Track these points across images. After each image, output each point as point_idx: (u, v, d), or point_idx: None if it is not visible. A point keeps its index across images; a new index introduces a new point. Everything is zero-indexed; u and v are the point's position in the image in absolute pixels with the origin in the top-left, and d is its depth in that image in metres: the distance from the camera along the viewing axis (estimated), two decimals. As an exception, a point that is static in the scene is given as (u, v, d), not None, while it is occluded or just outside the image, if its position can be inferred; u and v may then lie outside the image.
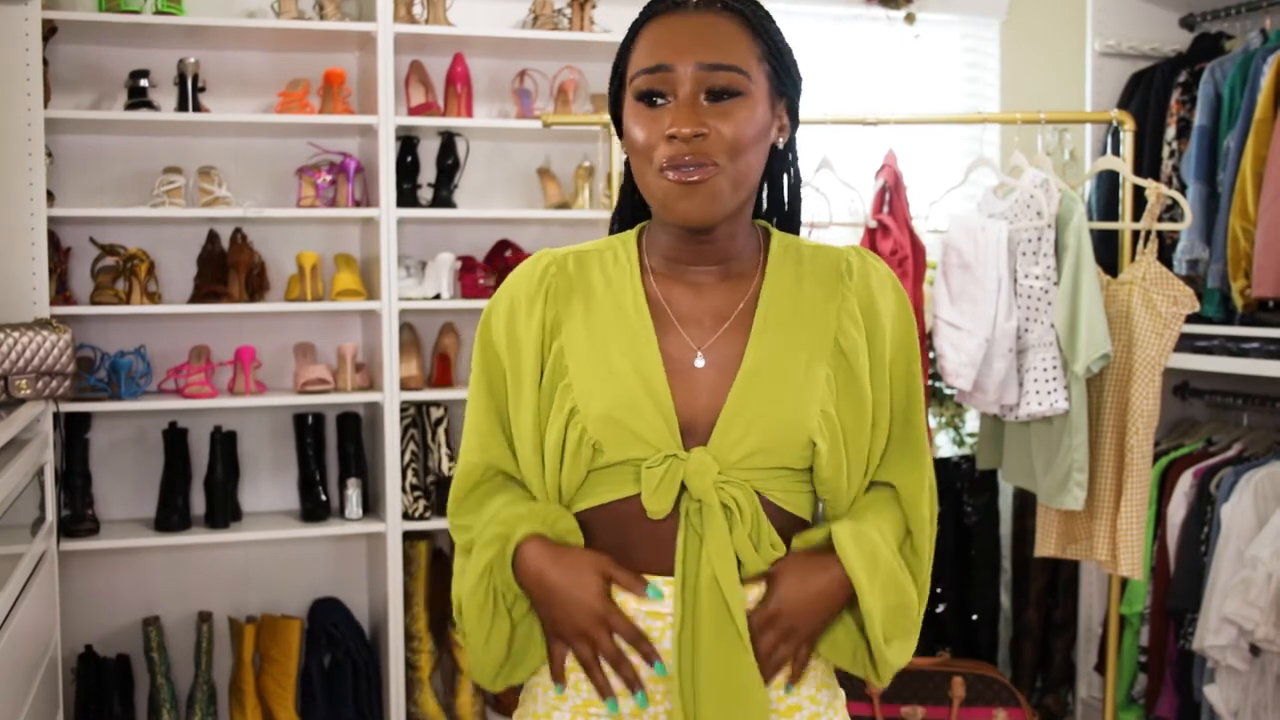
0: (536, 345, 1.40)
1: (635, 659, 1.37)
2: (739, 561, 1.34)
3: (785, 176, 1.50)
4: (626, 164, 1.46)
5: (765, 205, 1.51)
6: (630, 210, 1.51)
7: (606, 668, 1.37)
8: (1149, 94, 3.70)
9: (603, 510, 1.39)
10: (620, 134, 1.42)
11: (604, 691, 1.37)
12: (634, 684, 1.36)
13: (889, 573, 1.40)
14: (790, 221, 1.52)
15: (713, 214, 1.35)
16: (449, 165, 3.61)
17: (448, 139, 3.60)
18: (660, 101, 1.35)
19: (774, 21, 1.41)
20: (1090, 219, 3.43)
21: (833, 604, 1.38)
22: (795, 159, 1.50)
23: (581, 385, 1.36)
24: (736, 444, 1.35)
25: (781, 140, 1.45)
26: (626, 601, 1.37)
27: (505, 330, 1.43)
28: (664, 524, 1.36)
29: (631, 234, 1.47)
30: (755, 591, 1.37)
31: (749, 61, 1.36)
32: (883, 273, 1.45)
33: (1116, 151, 3.29)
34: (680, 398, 1.36)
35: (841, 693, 1.50)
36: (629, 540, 1.38)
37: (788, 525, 1.40)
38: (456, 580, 1.47)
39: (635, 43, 1.39)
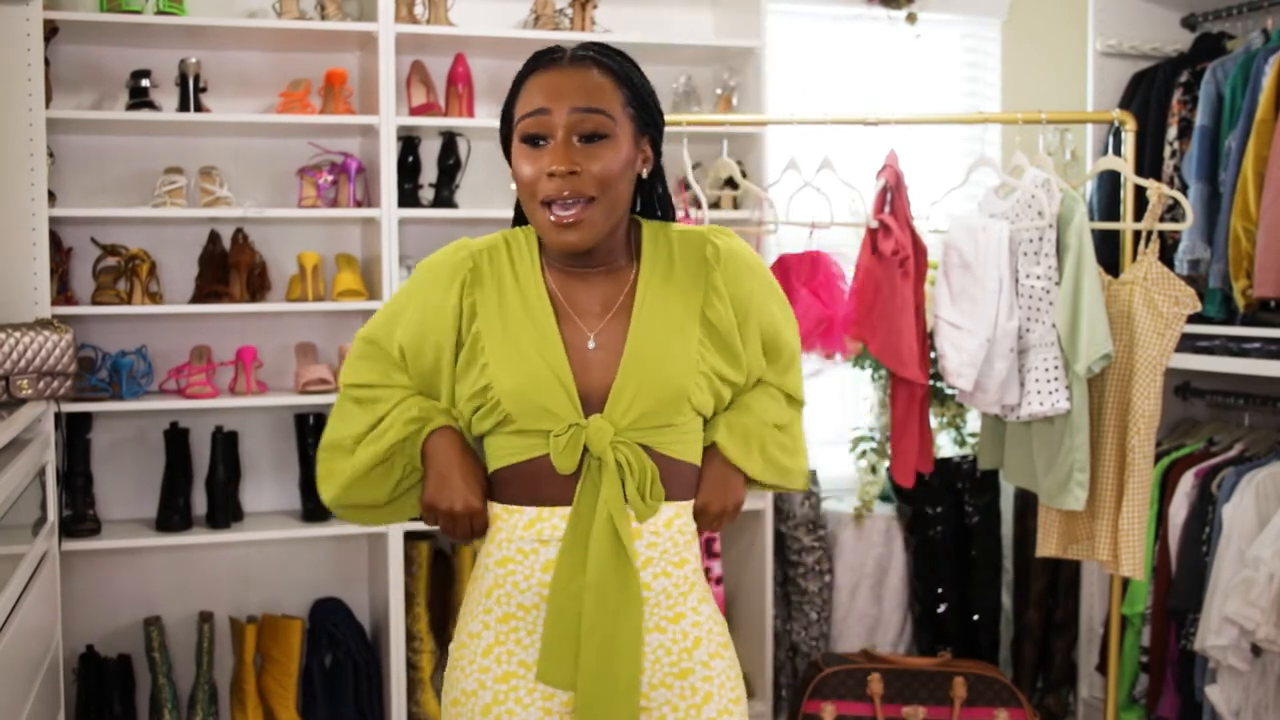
0: (454, 319, 1.71)
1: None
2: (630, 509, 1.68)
3: (654, 198, 1.79)
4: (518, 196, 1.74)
5: (639, 208, 1.80)
6: (523, 219, 1.80)
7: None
8: (1150, 94, 3.70)
9: (518, 467, 1.71)
10: (513, 174, 1.70)
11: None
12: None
13: (758, 434, 1.79)
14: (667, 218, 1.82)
15: (588, 241, 1.66)
16: (450, 165, 3.61)
17: (449, 139, 3.61)
18: (541, 143, 1.64)
19: (638, 71, 1.70)
20: (1091, 219, 3.43)
21: (732, 480, 1.78)
22: (662, 183, 1.79)
23: (496, 366, 1.67)
24: (627, 410, 1.66)
25: (645, 170, 1.73)
26: (516, 522, 1.71)
27: (426, 307, 1.73)
28: (570, 475, 1.68)
29: (532, 232, 1.76)
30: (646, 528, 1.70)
31: (614, 107, 1.64)
32: (742, 254, 1.77)
33: (1118, 151, 3.29)
34: (579, 376, 1.68)
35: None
36: (540, 486, 1.70)
37: (681, 471, 1.74)
38: (340, 416, 1.79)
39: (520, 92, 1.67)
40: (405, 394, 1.77)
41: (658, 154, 1.75)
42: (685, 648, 1.73)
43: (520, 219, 1.82)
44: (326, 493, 1.81)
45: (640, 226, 1.77)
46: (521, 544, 1.71)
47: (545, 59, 1.67)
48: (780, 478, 1.86)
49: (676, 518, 1.74)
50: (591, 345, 1.69)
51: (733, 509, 1.80)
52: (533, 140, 1.65)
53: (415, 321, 1.73)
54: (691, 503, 1.77)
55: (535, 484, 1.70)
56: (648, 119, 1.70)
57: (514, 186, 1.75)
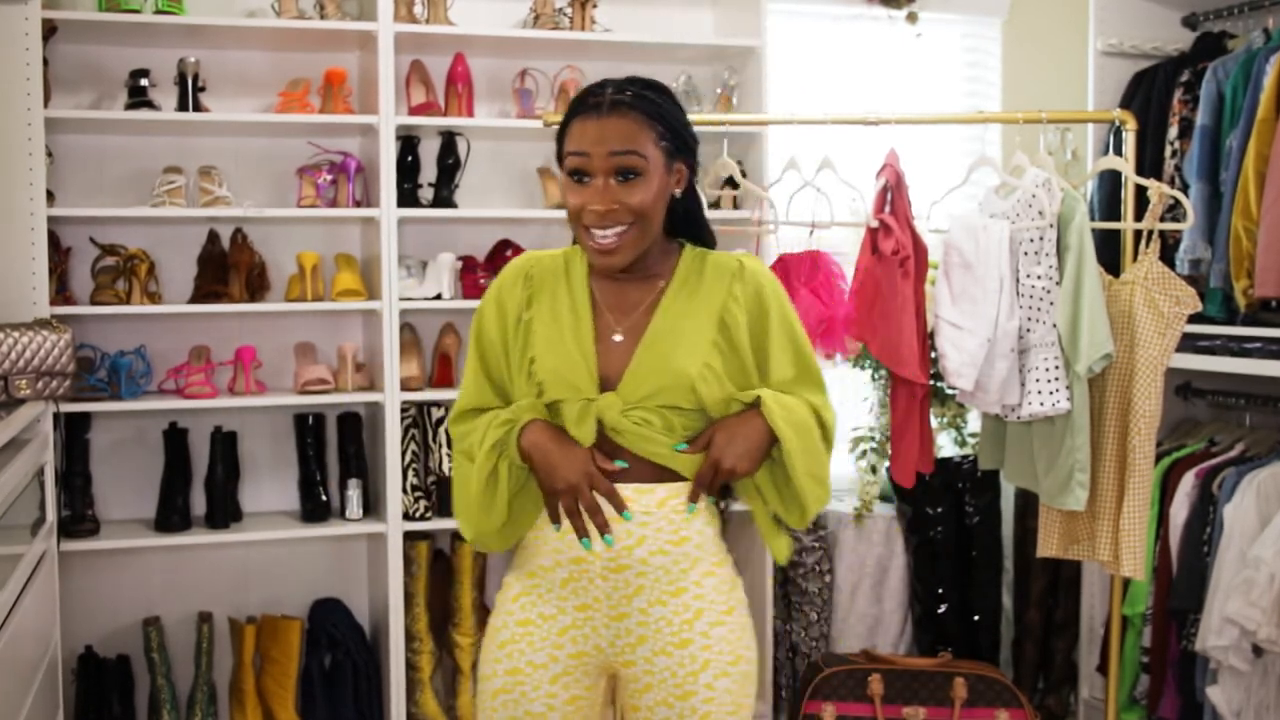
0: (517, 310, 2.01)
1: (609, 510, 1.92)
2: (637, 470, 1.93)
3: (690, 217, 2.04)
4: None
5: (683, 230, 2.05)
6: None
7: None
8: (1151, 93, 3.69)
9: None
10: (563, 198, 1.98)
11: (581, 533, 1.92)
12: (604, 528, 1.91)
13: (802, 419, 1.94)
14: (705, 238, 2.07)
15: (624, 262, 1.93)
16: (450, 165, 3.60)
17: (448, 139, 3.60)
18: (585, 179, 1.90)
19: (671, 101, 1.96)
20: (1092, 219, 3.42)
21: (754, 436, 1.93)
22: (695, 198, 2.05)
23: (540, 345, 1.97)
24: (638, 388, 1.92)
25: (679, 190, 1.99)
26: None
27: (496, 304, 2.03)
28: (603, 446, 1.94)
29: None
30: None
31: (646, 146, 1.90)
32: (762, 271, 2.02)
33: (1119, 151, 3.28)
34: (602, 359, 1.95)
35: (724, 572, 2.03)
36: None
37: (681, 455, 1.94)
38: (458, 472, 2.04)
39: (567, 132, 1.93)
40: (494, 412, 2.01)
41: (693, 171, 2.00)
42: (686, 619, 1.94)
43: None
44: (467, 534, 2.02)
45: (684, 249, 2.03)
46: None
47: (588, 105, 1.92)
48: (801, 477, 1.94)
49: (672, 497, 1.94)
50: (618, 337, 1.96)
51: (728, 469, 1.93)
52: (577, 175, 1.91)
53: (494, 318, 2.02)
54: (689, 484, 1.94)
55: None
56: (680, 146, 1.96)
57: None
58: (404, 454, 3.48)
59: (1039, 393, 2.95)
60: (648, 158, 1.90)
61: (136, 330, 3.47)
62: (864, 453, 3.96)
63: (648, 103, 1.93)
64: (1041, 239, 2.97)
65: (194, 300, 3.45)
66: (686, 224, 2.05)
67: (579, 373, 1.93)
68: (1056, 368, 2.94)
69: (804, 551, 3.84)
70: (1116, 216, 3.40)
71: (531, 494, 2.00)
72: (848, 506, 3.94)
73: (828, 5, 4.13)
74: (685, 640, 1.93)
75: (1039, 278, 2.97)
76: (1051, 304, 2.95)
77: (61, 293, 3.32)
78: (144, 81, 3.36)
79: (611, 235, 1.90)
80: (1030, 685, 3.91)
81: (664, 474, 1.94)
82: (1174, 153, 3.61)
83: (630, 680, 1.97)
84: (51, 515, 2.98)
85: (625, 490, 1.92)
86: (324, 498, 3.51)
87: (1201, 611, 3.18)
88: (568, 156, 1.92)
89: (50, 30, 3.26)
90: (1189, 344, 3.31)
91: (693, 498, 1.94)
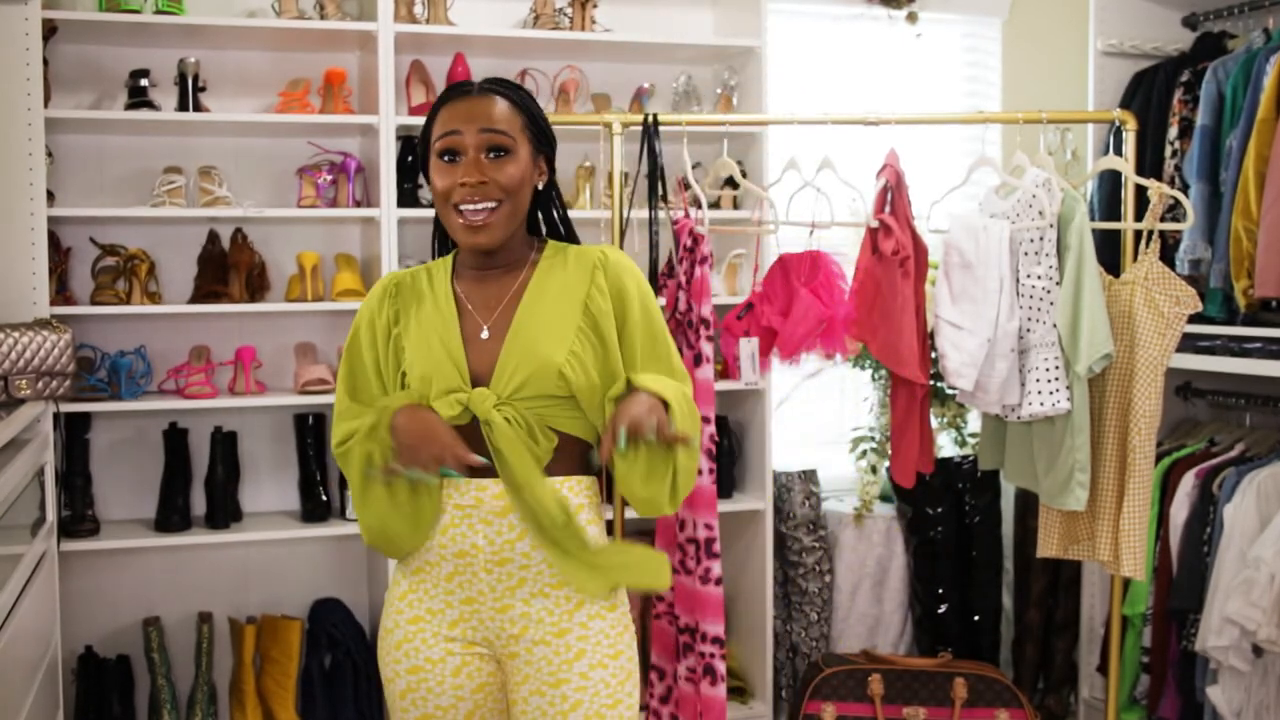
0: (386, 327, 2.04)
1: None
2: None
3: (552, 208, 2.11)
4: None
5: (545, 230, 2.11)
6: (441, 239, 2.14)
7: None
8: (1151, 93, 3.69)
9: None
10: (430, 187, 2.01)
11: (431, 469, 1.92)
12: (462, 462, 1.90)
13: (676, 388, 1.97)
14: (567, 236, 2.12)
15: (494, 241, 1.97)
16: (450, 165, 3.60)
17: (448, 139, 3.60)
18: (455, 158, 1.95)
19: (534, 101, 2.03)
20: (1092, 219, 3.42)
21: (645, 399, 1.89)
22: (556, 195, 2.11)
23: (411, 354, 1.99)
24: (508, 381, 1.94)
25: (541, 183, 2.04)
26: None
27: (369, 326, 2.05)
28: (476, 441, 1.93)
29: (449, 256, 2.09)
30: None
31: (514, 128, 1.97)
32: (625, 262, 2.05)
33: (1119, 151, 3.28)
34: (473, 358, 1.97)
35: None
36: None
37: (567, 444, 1.97)
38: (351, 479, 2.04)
39: (436, 118, 1.98)
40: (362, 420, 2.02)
41: (552, 170, 2.06)
42: (567, 610, 1.96)
43: (440, 242, 2.14)
44: (366, 538, 2.03)
45: (546, 244, 2.07)
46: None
47: (458, 91, 1.99)
48: (692, 425, 1.96)
49: (561, 489, 1.95)
50: (484, 335, 1.99)
51: (657, 418, 1.88)
52: (448, 155, 1.96)
53: (368, 341, 2.05)
54: (575, 478, 1.98)
55: None
56: (542, 140, 2.02)
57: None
58: (404, 454, 3.48)
59: (1039, 393, 2.95)
60: (515, 139, 1.96)
61: (136, 330, 3.47)
62: (864, 453, 3.96)
63: (514, 92, 2.00)
64: (1041, 239, 2.97)
65: (194, 300, 3.45)
66: (549, 223, 2.10)
67: (449, 373, 1.95)
68: (1056, 368, 2.94)
69: (804, 552, 3.84)
70: (1116, 216, 3.40)
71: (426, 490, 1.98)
72: (848, 506, 3.94)
73: (828, 5, 4.13)
74: (563, 630, 1.95)
75: (1039, 278, 2.97)
76: (1051, 304, 2.95)
77: (61, 293, 3.32)
78: (144, 81, 3.36)
79: (482, 211, 1.93)
80: (1030, 685, 3.91)
81: (553, 468, 1.95)
82: (1174, 153, 3.61)
83: (512, 673, 1.97)
84: (51, 515, 2.98)
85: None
86: (324, 498, 3.51)
87: (1201, 611, 3.18)
88: (438, 140, 1.96)
89: (50, 30, 3.26)
90: (1189, 344, 3.32)
91: (605, 455, 1.88)
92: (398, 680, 2.00)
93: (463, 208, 1.94)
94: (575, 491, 1.98)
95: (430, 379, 1.95)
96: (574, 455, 1.99)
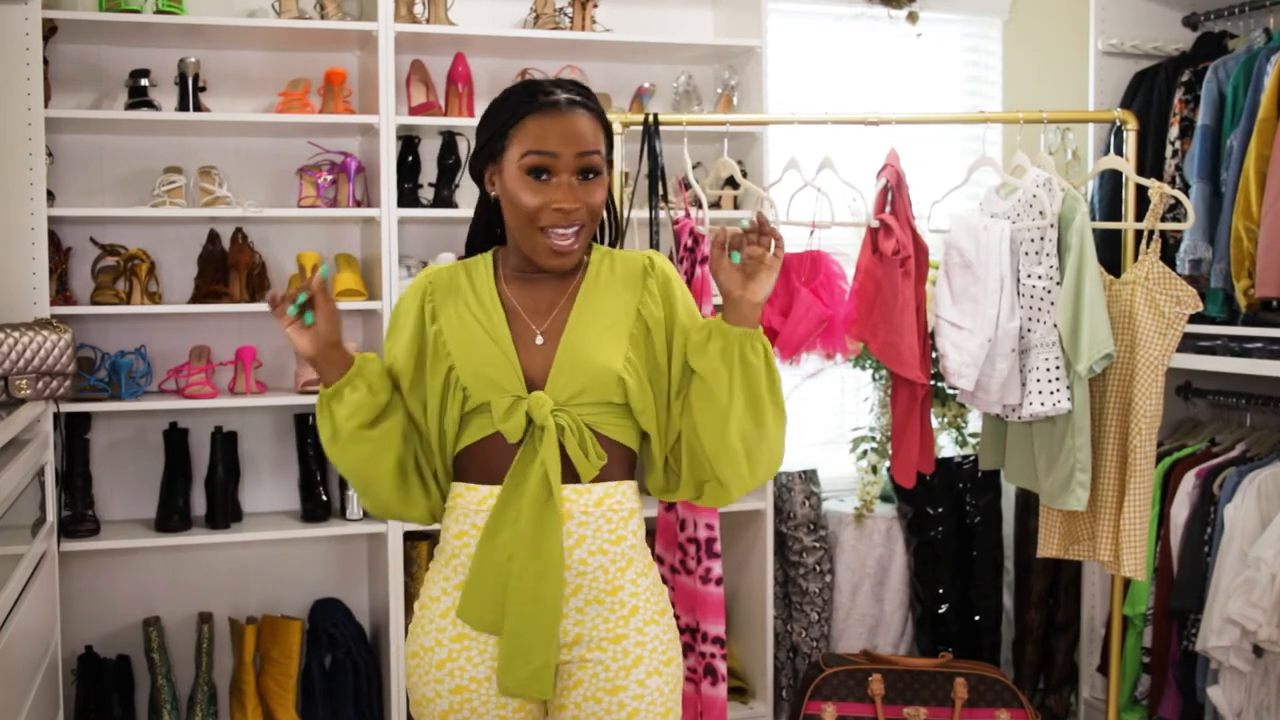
0: (420, 322, 1.96)
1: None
2: (573, 465, 1.88)
3: (611, 212, 2.08)
4: (483, 202, 2.01)
5: (608, 235, 2.08)
6: (484, 238, 2.04)
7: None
8: (1152, 93, 3.69)
9: (476, 446, 1.93)
10: (480, 184, 1.97)
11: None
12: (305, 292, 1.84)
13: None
14: (615, 236, 2.10)
15: (576, 261, 1.94)
16: (450, 165, 3.60)
17: (449, 138, 3.60)
18: (545, 177, 1.87)
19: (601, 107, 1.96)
20: (1093, 219, 3.42)
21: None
22: (611, 198, 2.04)
23: (456, 352, 1.93)
24: (565, 386, 1.89)
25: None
26: (471, 498, 1.93)
27: (414, 314, 1.97)
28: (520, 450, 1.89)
29: (489, 255, 2.01)
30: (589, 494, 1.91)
31: (602, 146, 1.91)
32: (669, 268, 2.01)
33: (1119, 151, 3.28)
34: (525, 361, 1.91)
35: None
36: (495, 463, 1.91)
37: (617, 453, 1.94)
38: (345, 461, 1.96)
39: (522, 126, 1.88)
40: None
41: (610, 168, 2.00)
42: (622, 616, 1.92)
43: (477, 242, 2.05)
44: (361, 501, 2.04)
45: (592, 248, 2.03)
46: (475, 518, 1.92)
47: (546, 102, 1.89)
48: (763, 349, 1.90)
49: (608, 496, 1.92)
50: (539, 340, 1.93)
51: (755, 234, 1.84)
52: (537, 173, 1.87)
53: (413, 327, 1.97)
54: (624, 483, 1.94)
55: (491, 462, 1.92)
56: (610, 146, 1.97)
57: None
58: (404, 454, 3.48)
59: (1040, 393, 2.95)
60: (602, 156, 1.92)
61: (136, 330, 3.47)
62: (864, 453, 3.96)
63: (595, 102, 1.95)
64: (1042, 239, 2.97)
65: (194, 300, 3.45)
66: (614, 224, 2.08)
67: (505, 373, 1.90)
68: (1057, 368, 2.94)
69: (805, 552, 3.83)
70: (1117, 216, 3.39)
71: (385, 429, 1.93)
72: (848, 506, 3.94)
73: (828, 5, 4.13)
74: (620, 635, 1.91)
75: (1040, 278, 2.97)
76: (1052, 304, 2.95)
77: (61, 293, 3.32)
78: (144, 81, 3.35)
79: (571, 235, 1.89)
80: (1031, 685, 3.91)
81: (602, 474, 1.91)
82: (1175, 153, 3.61)
83: (560, 679, 1.92)
84: (52, 515, 2.98)
85: (565, 491, 1.88)
86: (324, 498, 3.51)
87: (1202, 612, 3.18)
88: (530, 155, 1.87)
89: (50, 30, 3.26)
90: (1190, 344, 3.31)
91: (734, 244, 1.84)
92: (439, 700, 1.93)
93: (553, 230, 1.88)
94: (614, 497, 1.93)
95: (483, 376, 1.90)
96: (621, 461, 1.95)
